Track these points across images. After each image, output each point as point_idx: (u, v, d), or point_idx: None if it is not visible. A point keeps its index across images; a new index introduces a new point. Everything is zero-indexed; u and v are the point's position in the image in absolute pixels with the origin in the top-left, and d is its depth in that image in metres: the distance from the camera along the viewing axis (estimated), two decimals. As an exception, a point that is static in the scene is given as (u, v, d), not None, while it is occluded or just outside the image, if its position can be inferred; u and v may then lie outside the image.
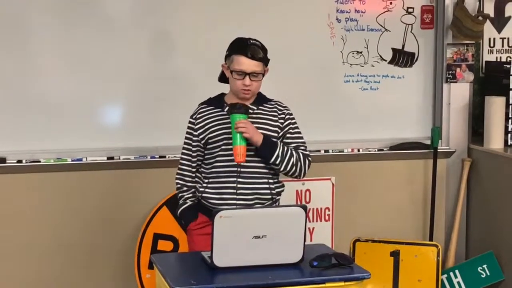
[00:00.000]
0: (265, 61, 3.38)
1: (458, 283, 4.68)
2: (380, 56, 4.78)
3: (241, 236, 2.88)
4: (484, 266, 4.64)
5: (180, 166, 3.50)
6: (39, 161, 4.29)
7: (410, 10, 4.80)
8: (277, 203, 3.47)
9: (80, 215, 4.38)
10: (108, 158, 4.38)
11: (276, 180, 3.44)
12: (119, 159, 4.39)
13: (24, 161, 4.27)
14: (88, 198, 4.38)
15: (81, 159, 4.34)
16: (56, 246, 4.36)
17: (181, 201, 3.49)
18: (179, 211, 3.50)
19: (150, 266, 4.34)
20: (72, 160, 4.33)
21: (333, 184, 4.71)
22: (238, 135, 3.25)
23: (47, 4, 4.28)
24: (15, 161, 4.26)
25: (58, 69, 4.32)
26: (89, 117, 4.39)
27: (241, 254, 2.89)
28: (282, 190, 3.49)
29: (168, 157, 4.39)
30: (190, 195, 3.47)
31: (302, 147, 3.46)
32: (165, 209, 4.40)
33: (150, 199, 4.42)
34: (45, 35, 4.29)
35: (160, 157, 4.42)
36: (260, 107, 3.42)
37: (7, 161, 4.24)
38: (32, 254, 4.34)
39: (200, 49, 4.43)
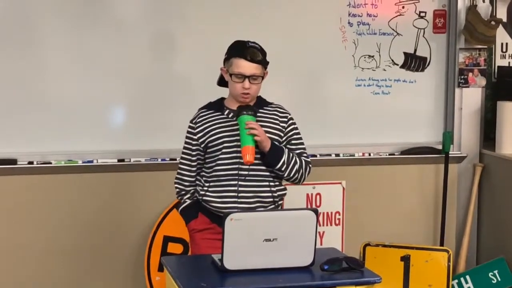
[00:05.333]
0: (264, 63, 3.35)
1: (469, 288, 4.68)
2: (392, 60, 4.77)
3: (252, 239, 2.86)
4: (495, 271, 4.62)
5: (179, 171, 3.49)
6: (50, 163, 4.29)
7: (422, 14, 4.79)
8: (279, 208, 3.45)
9: (90, 216, 4.39)
10: (119, 160, 4.38)
11: (277, 183, 3.42)
12: (130, 161, 4.39)
13: (35, 162, 4.27)
14: (99, 200, 4.39)
15: (92, 161, 4.34)
16: (66, 248, 4.37)
17: (181, 202, 3.50)
18: (179, 210, 3.50)
19: (160, 269, 4.35)
20: (83, 162, 4.33)
21: (343, 188, 4.69)
22: (248, 136, 3.23)
23: (61, 8, 4.29)
24: (26, 163, 4.26)
25: (69, 71, 4.33)
26: (100, 119, 4.39)
27: (252, 257, 2.88)
28: (284, 194, 3.47)
29: (179, 159, 4.38)
30: (189, 195, 3.47)
31: (305, 154, 3.46)
32: (175, 211, 4.39)
33: (160, 201, 4.42)
34: (56, 38, 4.30)
35: (171, 159, 4.42)
36: (260, 110, 3.40)
37: (18, 163, 4.25)
38: (42, 255, 4.34)
39: (211, 51, 4.42)
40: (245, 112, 3.26)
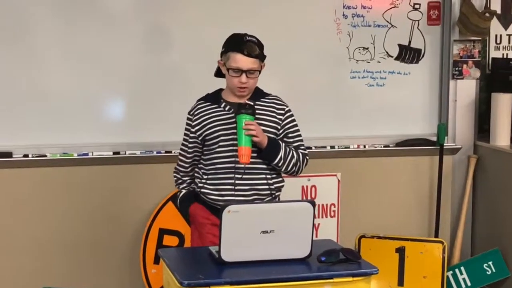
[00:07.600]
0: (261, 57, 3.33)
1: (464, 279, 4.68)
2: (387, 52, 4.78)
3: (249, 231, 2.87)
4: (490, 263, 4.63)
5: (178, 161, 3.54)
6: (45, 156, 4.29)
7: (416, 6, 4.80)
8: (276, 199, 3.45)
9: (86, 210, 4.38)
10: (114, 153, 4.38)
11: (274, 175, 3.42)
12: (125, 154, 4.39)
13: (30, 155, 4.26)
14: (94, 193, 4.38)
15: (87, 154, 4.34)
16: (62, 241, 4.36)
17: (178, 192, 3.56)
18: (178, 200, 3.54)
19: (156, 261, 4.35)
20: (78, 155, 4.33)
21: (338, 180, 4.70)
22: (246, 136, 3.22)
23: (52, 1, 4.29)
24: (22, 156, 4.25)
25: (64, 64, 4.32)
26: (96, 112, 4.39)
27: (249, 249, 2.89)
28: (282, 186, 3.47)
29: (174, 152, 4.35)
30: (185, 184, 3.52)
31: (302, 147, 3.46)
32: (171, 204, 4.40)
33: (156, 194, 4.42)
34: (51, 31, 4.29)
35: (166, 152, 4.42)
36: (257, 102, 3.39)
37: (14, 156, 4.24)
38: (37, 248, 4.34)
39: (204, 43, 4.42)
40: (244, 111, 3.24)
